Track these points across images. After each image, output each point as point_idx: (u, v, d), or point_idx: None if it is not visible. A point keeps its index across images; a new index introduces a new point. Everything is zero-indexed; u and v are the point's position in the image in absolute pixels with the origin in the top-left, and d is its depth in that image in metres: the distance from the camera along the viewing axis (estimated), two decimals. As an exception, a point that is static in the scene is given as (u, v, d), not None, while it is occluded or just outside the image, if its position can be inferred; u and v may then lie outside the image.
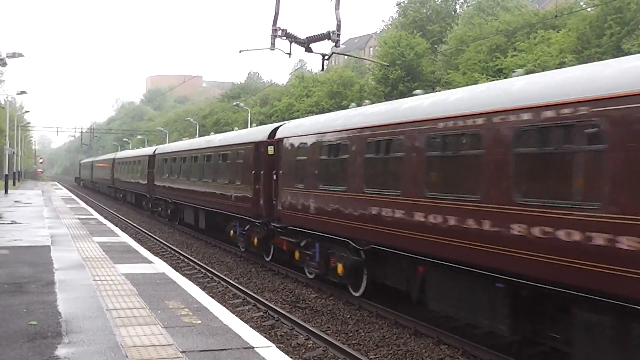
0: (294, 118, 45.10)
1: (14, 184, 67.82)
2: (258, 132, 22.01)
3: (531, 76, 10.62)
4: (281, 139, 18.88)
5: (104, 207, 47.20)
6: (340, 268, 15.05)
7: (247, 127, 45.68)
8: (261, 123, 53.76)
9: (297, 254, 17.66)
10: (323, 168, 16.01)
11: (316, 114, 31.90)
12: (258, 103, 70.54)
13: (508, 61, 38.32)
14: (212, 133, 45.65)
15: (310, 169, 16.56)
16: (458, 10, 61.36)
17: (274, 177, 19.23)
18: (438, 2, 61.59)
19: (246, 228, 21.89)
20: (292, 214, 17.54)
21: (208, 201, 26.34)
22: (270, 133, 20.16)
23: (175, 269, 14.68)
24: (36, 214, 27.26)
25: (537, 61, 35.47)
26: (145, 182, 41.02)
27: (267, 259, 20.82)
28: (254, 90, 78.97)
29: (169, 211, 35.15)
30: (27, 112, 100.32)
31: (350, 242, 14.44)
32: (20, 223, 22.27)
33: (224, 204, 23.99)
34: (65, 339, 7.49)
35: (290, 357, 7.61)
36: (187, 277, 14.24)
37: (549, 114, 8.93)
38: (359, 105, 17.96)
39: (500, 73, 37.77)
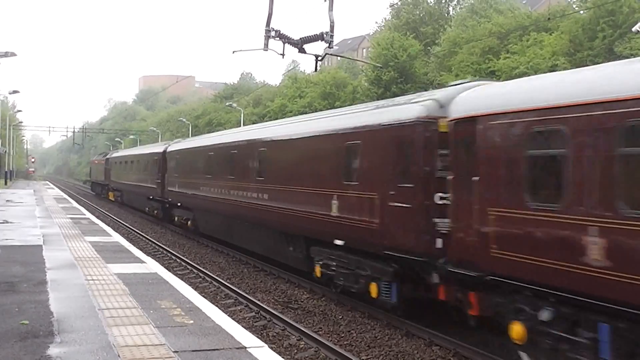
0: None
1: (5, 183, 67.56)
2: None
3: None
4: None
5: (96, 207, 47.09)
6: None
7: (239, 127, 45.66)
8: (254, 123, 53.68)
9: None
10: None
11: (312, 113, 32.39)
12: (251, 103, 70.40)
13: (501, 63, 38.37)
14: (202, 134, 45.87)
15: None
16: (451, 12, 61.35)
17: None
18: (431, 4, 61.57)
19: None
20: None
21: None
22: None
23: (167, 269, 14.65)
24: (28, 213, 27.15)
25: (529, 63, 35.56)
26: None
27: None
28: (247, 91, 78.78)
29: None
30: (19, 111, 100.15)
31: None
32: (12, 222, 22.18)
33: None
34: (57, 338, 7.48)
35: (283, 358, 7.63)
36: (179, 277, 14.20)
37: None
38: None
39: (493, 75, 37.86)
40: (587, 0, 37.34)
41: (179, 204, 30.57)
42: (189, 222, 29.03)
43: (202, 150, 26.86)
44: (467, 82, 12.65)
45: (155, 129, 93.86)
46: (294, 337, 12.45)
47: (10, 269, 12.26)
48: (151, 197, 37.29)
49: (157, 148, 38.45)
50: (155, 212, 37.47)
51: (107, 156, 60.51)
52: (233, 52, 23.91)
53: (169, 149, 33.89)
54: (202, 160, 26.33)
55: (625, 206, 7.76)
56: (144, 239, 28.42)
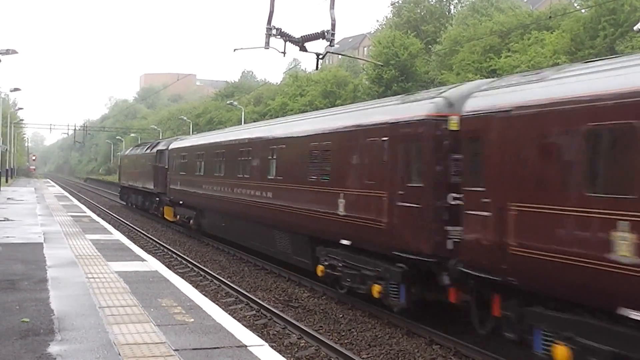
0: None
1: (6, 181, 67.59)
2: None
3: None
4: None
5: (97, 205, 47.09)
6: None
7: (239, 126, 45.67)
8: (254, 122, 53.66)
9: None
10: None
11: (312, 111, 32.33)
12: (252, 102, 70.39)
13: (502, 62, 38.35)
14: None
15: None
16: (452, 11, 61.34)
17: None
18: (432, 3, 61.54)
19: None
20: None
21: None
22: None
23: (168, 267, 14.65)
24: (29, 211, 27.18)
25: (530, 62, 35.52)
26: None
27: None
28: (248, 89, 78.77)
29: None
30: (20, 109, 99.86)
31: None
32: (12, 220, 22.21)
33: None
34: (57, 336, 7.49)
35: (283, 356, 7.62)
36: (179, 276, 14.21)
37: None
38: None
39: (494, 74, 37.82)
40: (589, -2, 37.34)
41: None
42: None
43: None
44: None
45: (156, 127, 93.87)
46: (294, 335, 12.44)
47: (11, 266, 12.27)
48: (374, 247, 13.39)
49: (385, 114, 13.27)
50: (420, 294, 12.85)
51: (161, 147, 35.57)
52: (234, 50, 23.79)
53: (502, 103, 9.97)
54: None
55: None
56: (144, 237, 28.42)
